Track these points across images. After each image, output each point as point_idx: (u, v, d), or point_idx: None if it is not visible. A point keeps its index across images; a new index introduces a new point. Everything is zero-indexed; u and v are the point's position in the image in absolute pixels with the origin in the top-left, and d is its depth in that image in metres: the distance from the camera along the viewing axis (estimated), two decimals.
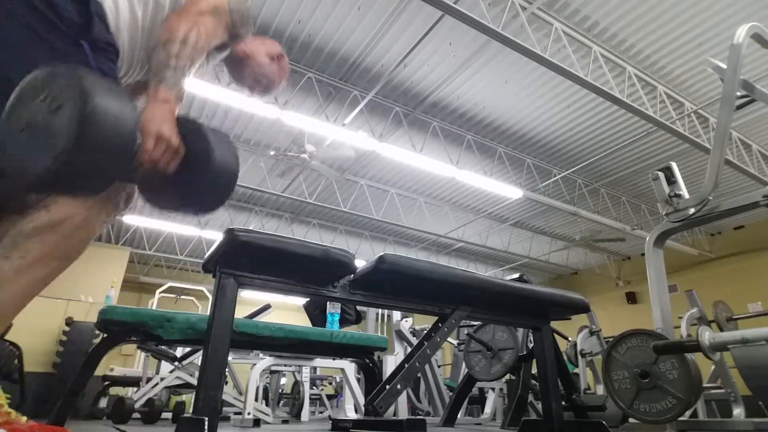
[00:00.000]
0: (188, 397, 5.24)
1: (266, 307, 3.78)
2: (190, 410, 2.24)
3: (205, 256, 1.39)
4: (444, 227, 9.64)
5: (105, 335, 2.10)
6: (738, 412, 2.28)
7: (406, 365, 1.53)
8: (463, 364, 3.50)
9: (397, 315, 4.67)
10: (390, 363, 3.86)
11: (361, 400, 3.19)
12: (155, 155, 0.93)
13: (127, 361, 8.56)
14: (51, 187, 0.86)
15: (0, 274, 0.82)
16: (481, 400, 4.61)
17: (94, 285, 7.17)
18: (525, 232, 10.33)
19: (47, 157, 0.77)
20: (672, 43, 5.31)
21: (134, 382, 5.23)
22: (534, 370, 2.62)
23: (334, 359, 3.19)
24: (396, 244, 11.08)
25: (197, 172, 1.00)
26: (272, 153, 6.83)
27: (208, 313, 1.39)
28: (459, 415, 3.21)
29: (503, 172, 7.65)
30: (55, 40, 0.92)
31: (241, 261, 1.37)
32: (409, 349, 4.37)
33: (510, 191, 7.53)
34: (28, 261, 0.85)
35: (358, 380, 3.61)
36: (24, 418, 0.92)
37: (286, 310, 9.04)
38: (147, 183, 1.04)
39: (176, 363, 3.54)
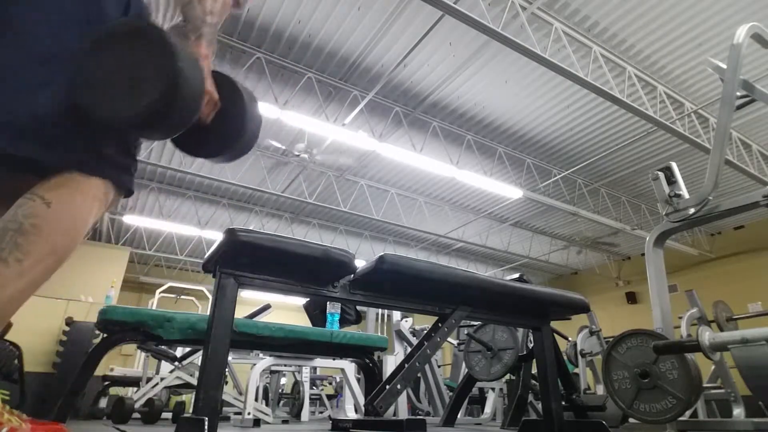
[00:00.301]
0: (188, 397, 5.24)
1: (266, 307, 3.77)
2: (190, 410, 2.24)
3: (205, 256, 1.39)
4: (444, 227, 9.64)
5: (105, 335, 2.10)
6: (738, 412, 2.28)
7: (406, 365, 1.53)
8: (463, 364, 3.50)
9: (397, 315, 4.67)
10: (390, 363, 3.86)
11: (361, 400, 3.19)
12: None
13: (127, 361, 8.56)
14: (127, 130, 0.90)
15: None
16: (481, 400, 4.61)
17: (94, 285, 7.17)
18: (525, 232, 10.33)
19: (136, 102, 0.83)
20: (672, 43, 5.31)
21: (134, 382, 5.22)
22: (534, 370, 2.62)
23: (334, 359, 3.19)
24: (396, 244, 11.08)
25: (232, 124, 1.07)
26: (272, 147, 6.82)
27: (208, 313, 1.39)
28: (459, 415, 3.20)
29: (503, 172, 7.65)
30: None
31: (241, 261, 1.37)
32: (409, 349, 4.37)
33: (510, 191, 7.52)
34: (29, 263, 0.78)
35: (358, 380, 3.61)
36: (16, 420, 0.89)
37: (286, 310, 9.04)
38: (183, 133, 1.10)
39: (176, 363, 3.53)
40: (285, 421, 4.00)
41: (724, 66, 1.93)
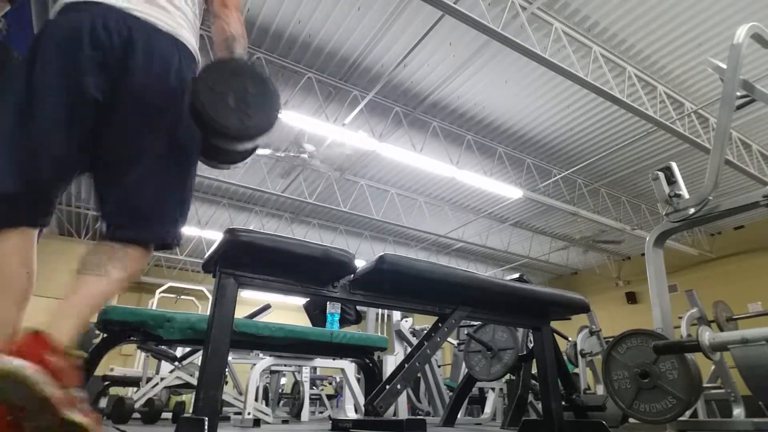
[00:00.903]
0: (188, 397, 5.23)
1: (266, 307, 3.78)
2: (190, 410, 2.24)
3: (205, 256, 1.40)
4: (444, 227, 9.64)
5: (105, 335, 2.10)
6: (738, 412, 2.28)
7: (406, 365, 1.54)
8: (463, 364, 3.50)
9: (397, 315, 4.67)
10: (390, 363, 3.86)
11: (361, 400, 3.19)
12: None
13: (127, 361, 8.56)
14: (229, 139, 1.12)
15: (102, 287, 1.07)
16: (481, 400, 4.61)
17: None
18: (525, 232, 10.32)
19: (244, 120, 1.05)
20: (672, 43, 5.31)
21: (134, 382, 5.22)
22: (534, 370, 2.62)
23: (334, 359, 3.19)
24: (396, 244, 11.07)
25: None
26: (270, 152, 6.82)
27: (208, 313, 1.39)
28: (459, 415, 3.21)
29: (503, 172, 7.65)
30: None
31: (241, 261, 1.37)
32: (409, 349, 4.37)
33: (510, 191, 7.52)
34: (116, 276, 1.08)
35: (358, 380, 3.61)
36: None
37: (286, 310, 9.03)
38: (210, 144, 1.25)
39: (176, 363, 3.53)
40: (285, 421, 4.00)
41: (724, 66, 1.93)
